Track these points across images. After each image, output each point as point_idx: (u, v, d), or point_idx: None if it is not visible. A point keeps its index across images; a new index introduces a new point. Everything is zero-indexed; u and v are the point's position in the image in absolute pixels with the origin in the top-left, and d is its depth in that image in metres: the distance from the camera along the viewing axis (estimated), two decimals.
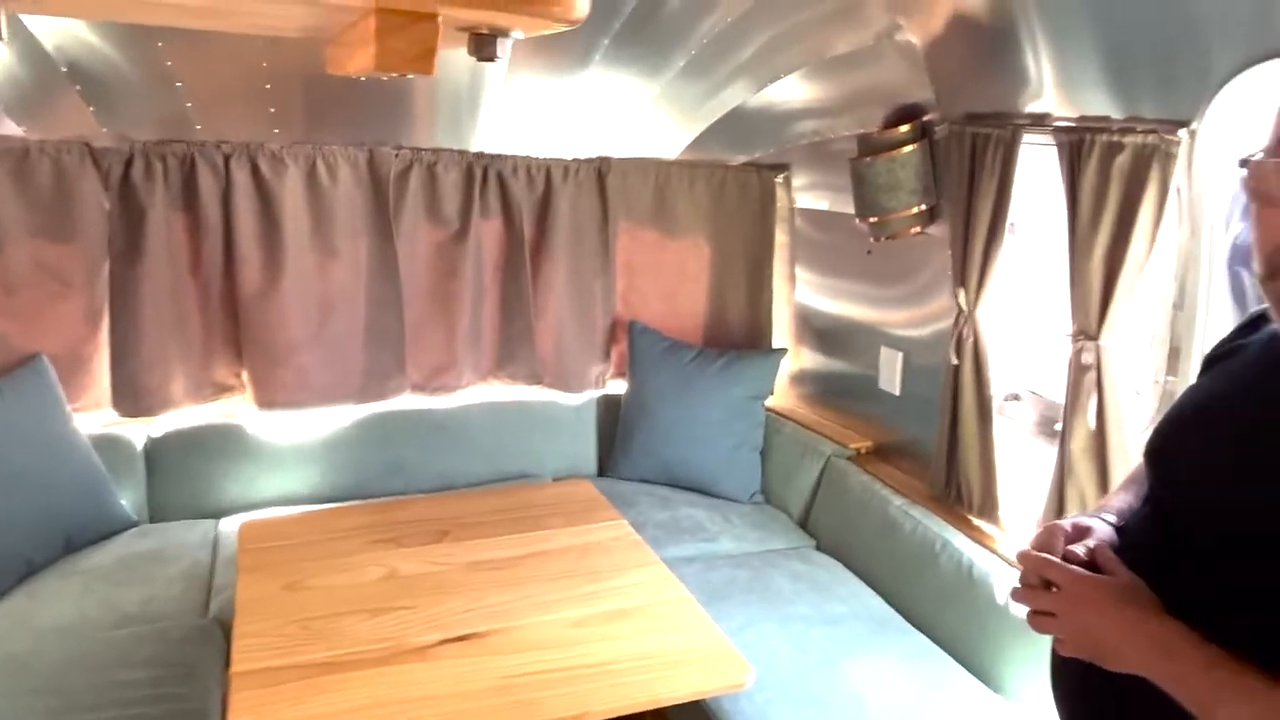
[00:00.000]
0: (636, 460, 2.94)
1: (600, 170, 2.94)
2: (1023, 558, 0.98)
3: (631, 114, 2.87)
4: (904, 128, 2.41)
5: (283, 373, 2.69)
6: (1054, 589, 0.93)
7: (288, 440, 2.75)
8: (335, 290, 2.71)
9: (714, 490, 2.87)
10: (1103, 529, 1.05)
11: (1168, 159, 1.73)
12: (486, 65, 2.50)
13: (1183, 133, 1.71)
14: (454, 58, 2.47)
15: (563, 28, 1.17)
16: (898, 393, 2.69)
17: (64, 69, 2.20)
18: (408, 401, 2.90)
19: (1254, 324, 1.03)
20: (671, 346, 3.00)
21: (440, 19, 1.11)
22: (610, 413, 3.13)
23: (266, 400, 2.70)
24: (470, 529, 2.04)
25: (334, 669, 1.50)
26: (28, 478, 2.22)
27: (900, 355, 2.67)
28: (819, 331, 3.07)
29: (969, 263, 2.21)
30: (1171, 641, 0.85)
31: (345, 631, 1.62)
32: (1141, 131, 1.77)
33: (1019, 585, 0.98)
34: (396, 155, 2.71)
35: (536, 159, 2.87)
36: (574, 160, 2.92)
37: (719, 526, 2.67)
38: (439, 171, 2.77)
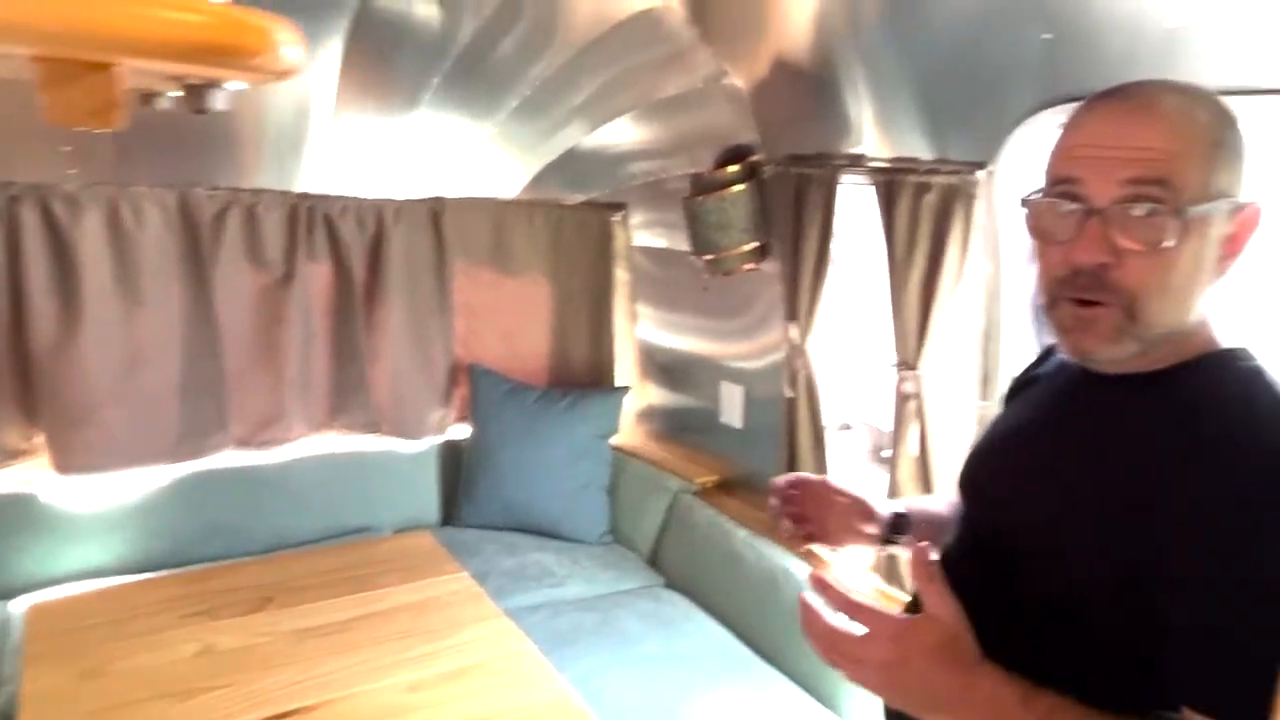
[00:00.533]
0: (481, 507, 2.86)
1: (434, 210, 2.87)
2: (816, 583, 0.94)
3: (467, 153, 2.83)
4: (733, 168, 2.48)
5: (85, 433, 2.45)
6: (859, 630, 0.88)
7: (92, 507, 2.51)
8: (145, 341, 2.50)
9: (562, 533, 2.81)
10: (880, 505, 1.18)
11: (970, 198, 1.85)
12: (310, 103, 2.43)
13: (981, 173, 1.82)
14: (279, 97, 2.37)
15: (271, 79, 1.05)
16: (740, 426, 2.74)
17: None
18: (232, 458, 2.71)
19: (1049, 353, 1.10)
20: (514, 388, 2.95)
21: (116, 69, 0.95)
22: (453, 459, 3.03)
23: (66, 464, 2.45)
24: (297, 593, 1.90)
25: None
26: None
27: (740, 389, 2.72)
28: (662, 367, 3.10)
29: (798, 297, 2.29)
30: (1003, 707, 0.83)
31: None
32: (946, 172, 1.89)
33: (813, 619, 0.89)
34: (211, 196, 2.54)
35: (367, 200, 2.77)
36: (406, 201, 2.83)
37: (567, 570, 2.62)
38: (260, 213, 2.62)
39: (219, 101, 1.05)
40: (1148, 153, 0.80)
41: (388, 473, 2.92)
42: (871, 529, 1.22)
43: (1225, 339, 0.88)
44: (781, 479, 1.13)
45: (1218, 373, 0.85)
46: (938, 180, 1.90)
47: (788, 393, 2.34)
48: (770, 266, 2.51)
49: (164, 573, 2.32)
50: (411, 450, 2.98)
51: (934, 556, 0.90)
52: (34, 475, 2.48)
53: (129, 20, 0.85)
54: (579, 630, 2.28)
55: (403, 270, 2.84)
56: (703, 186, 2.52)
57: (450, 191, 2.89)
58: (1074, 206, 0.82)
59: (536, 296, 3.09)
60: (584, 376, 3.13)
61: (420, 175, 2.85)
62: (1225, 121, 0.83)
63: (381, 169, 2.78)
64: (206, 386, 2.59)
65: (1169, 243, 0.79)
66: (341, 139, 2.59)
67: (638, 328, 3.18)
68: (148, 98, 1.13)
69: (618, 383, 3.15)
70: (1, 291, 2.31)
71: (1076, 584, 0.86)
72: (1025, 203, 0.89)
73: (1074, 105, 0.89)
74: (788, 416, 2.36)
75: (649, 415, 3.18)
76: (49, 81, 0.94)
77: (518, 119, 2.65)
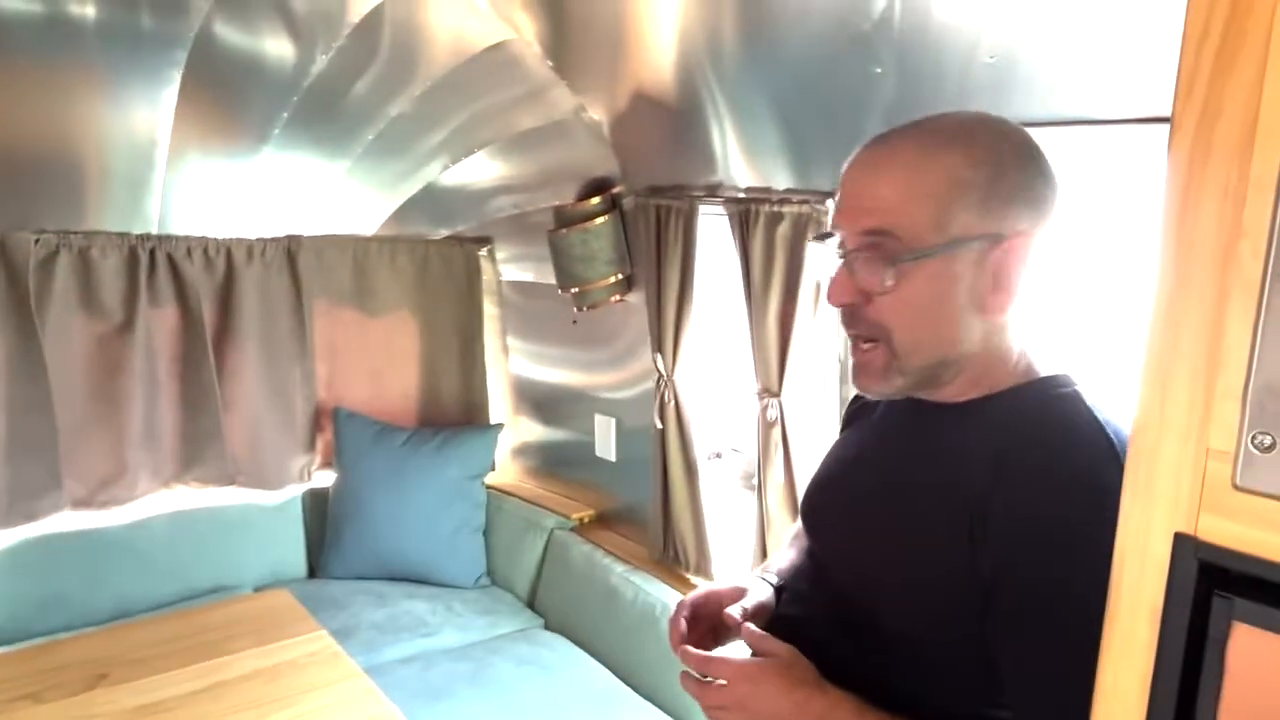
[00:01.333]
0: (349, 557, 2.73)
1: (290, 249, 2.75)
2: (683, 656, 0.97)
3: (322, 190, 2.73)
4: (595, 200, 2.47)
5: None
6: (719, 681, 0.93)
7: None
8: None
9: (436, 579, 2.72)
10: (761, 591, 1.08)
11: (820, 226, 1.89)
12: (150, 140, 2.29)
13: (830, 202, 1.87)
14: (115, 134, 2.23)
15: None
16: (614, 458, 2.72)
17: None
18: (70, 520, 2.50)
19: None
20: (382, 430, 2.84)
21: None
22: (319, 507, 2.89)
23: None
24: (135, 666, 1.75)
25: None
26: None
27: (613, 421, 2.70)
28: (536, 401, 3.05)
29: (663, 328, 2.29)
30: (834, 716, 0.88)
31: None
32: (797, 201, 1.92)
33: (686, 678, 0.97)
34: (37, 241, 2.36)
35: (215, 239, 2.63)
36: (259, 240, 2.71)
37: (441, 618, 2.53)
38: (94, 256, 2.45)
39: None
40: (877, 204, 0.86)
41: (247, 527, 2.76)
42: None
43: (1045, 367, 0.91)
44: (680, 615, 1.07)
45: (1029, 400, 0.88)
46: (789, 209, 1.93)
47: (658, 423, 2.34)
48: (636, 297, 2.51)
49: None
50: (272, 501, 2.83)
51: (750, 626, 0.97)
52: None
53: None
54: (453, 681, 2.19)
55: (257, 312, 2.70)
56: (566, 219, 2.50)
57: (307, 229, 2.78)
58: (837, 252, 0.90)
59: (403, 334, 3.00)
60: (456, 415, 3.05)
61: (274, 213, 2.73)
62: (982, 160, 0.85)
63: (231, 207, 2.65)
64: (36, 443, 2.39)
65: (889, 283, 0.85)
66: (186, 177, 2.46)
67: (510, 362, 3.12)
68: None
69: (492, 419, 3.08)
70: None
71: (903, 610, 0.90)
72: (818, 238, 0.96)
73: None
74: (659, 447, 2.35)
75: (524, 451, 3.12)
76: None
77: (374, 155, 2.58)
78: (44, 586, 2.43)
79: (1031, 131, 0.90)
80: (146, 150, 2.33)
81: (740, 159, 2.06)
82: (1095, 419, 0.84)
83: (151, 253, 2.53)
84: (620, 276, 2.50)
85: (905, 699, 0.88)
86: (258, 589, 2.69)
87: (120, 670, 1.76)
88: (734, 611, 1.01)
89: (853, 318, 0.90)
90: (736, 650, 0.97)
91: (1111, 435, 0.82)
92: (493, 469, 2.92)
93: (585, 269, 2.48)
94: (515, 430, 3.11)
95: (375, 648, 2.31)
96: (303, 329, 2.80)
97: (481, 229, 3.01)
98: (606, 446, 2.72)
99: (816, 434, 2.03)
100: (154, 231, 2.54)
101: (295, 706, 1.63)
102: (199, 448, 2.67)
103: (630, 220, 2.45)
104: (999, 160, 0.85)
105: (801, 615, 1.01)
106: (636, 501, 2.61)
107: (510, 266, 3.04)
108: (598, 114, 2.30)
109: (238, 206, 2.65)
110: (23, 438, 2.38)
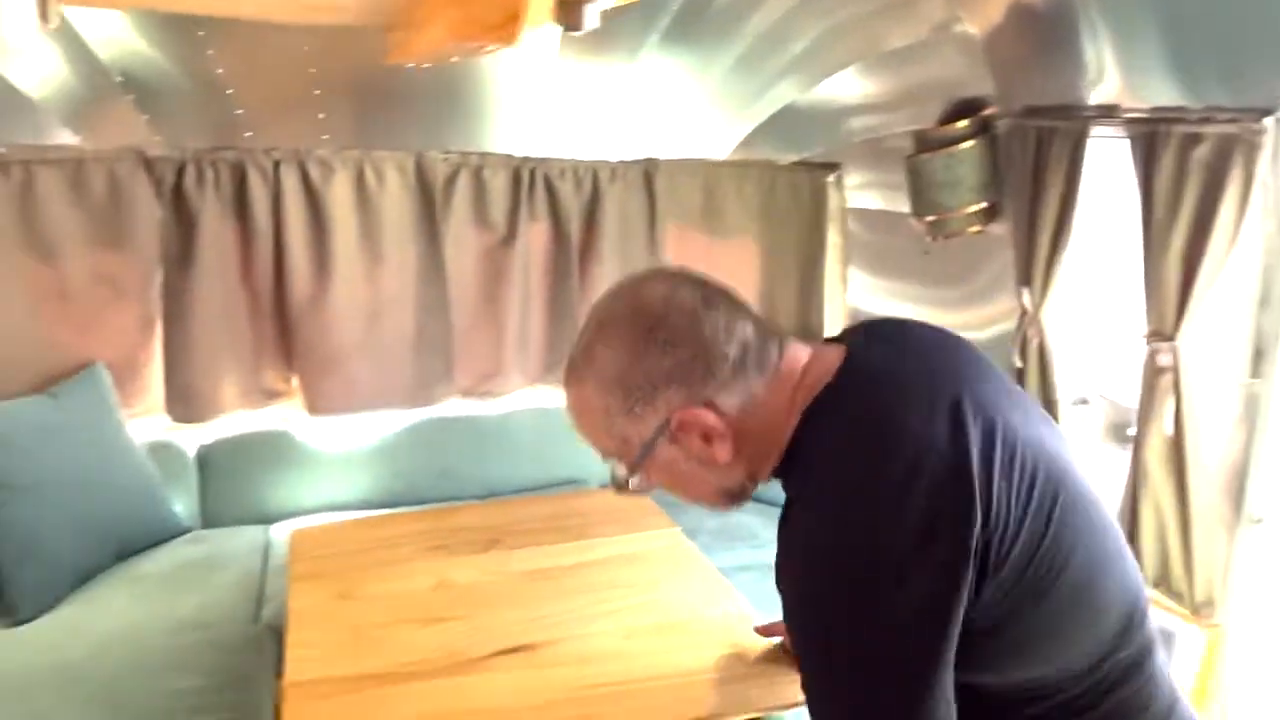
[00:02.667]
0: None
1: (648, 172, 2.90)
2: None
3: (679, 114, 2.83)
4: (963, 122, 2.34)
5: (332, 378, 2.69)
6: None
7: (337, 447, 2.75)
8: (383, 296, 2.71)
9: (766, 497, 2.79)
10: None
11: (1252, 150, 1.64)
12: (533, 65, 2.50)
13: (1269, 121, 1.61)
14: (500, 57, 2.46)
15: None
16: None
17: (118, 79, 2.22)
18: (455, 407, 2.89)
19: None
20: None
21: None
22: None
23: (316, 405, 2.70)
24: (520, 537, 2.00)
25: (388, 680, 1.47)
26: (85, 482, 2.24)
27: None
28: None
29: (1033, 261, 2.13)
30: None
31: (398, 642, 1.59)
32: (1222, 121, 1.68)
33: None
34: (444, 160, 2.69)
35: (583, 161, 2.84)
36: (620, 163, 2.88)
37: (771, 533, 2.59)
38: (486, 176, 2.75)
39: (591, 19, 1.11)
40: (587, 440, 1.00)
41: None
42: None
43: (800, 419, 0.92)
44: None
45: (793, 465, 0.95)
46: (1211, 131, 1.70)
47: (1017, 362, 2.20)
48: (999, 228, 2.36)
49: (401, 510, 2.52)
50: None
51: None
52: (290, 415, 2.76)
53: None
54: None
55: (616, 231, 2.89)
56: (928, 143, 2.39)
57: (663, 153, 2.91)
58: None
59: (745, 260, 3.07)
60: None
61: (634, 137, 2.88)
62: (608, 385, 0.93)
63: (596, 131, 2.84)
64: (436, 339, 2.77)
65: (640, 483, 0.99)
66: (561, 100, 2.66)
67: (849, 293, 3.08)
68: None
69: None
70: (267, 247, 2.56)
71: None
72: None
73: None
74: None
75: None
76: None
77: (734, 74, 2.62)
78: (436, 460, 2.83)
79: None
80: (528, 75, 2.53)
81: (1126, 74, 1.83)
82: (827, 436, 0.90)
83: (531, 173, 2.78)
84: (983, 205, 2.35)
85: None
86: (603, 486, 2.94)
87: (509, 538, 2.01)
88: None
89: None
90: None
91: (863, 437, 0.87)
92: None
93: (946, 196, 2.36)
94: None
95: (712, 551, 2.41)
96: (655, 248, 2.95)
97: (830, 154, 2.97)
98: None
99: (1216, 385, 1.81)
100: (529, 154, 2.79)
101: (655, 592, 1.77)
102: (561, 353, 2.94)
103: (1001, 144, 2.29)
104: (619, 374, 0.92)
105: None
106: None
107: (858, 194, 2.98)
108: (973, 26, 2.16)
109: (601, 130, 2.83)
110: (426, 334, 2.77)
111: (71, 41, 2.11)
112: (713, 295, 0.94)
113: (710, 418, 0.92)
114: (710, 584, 1.84)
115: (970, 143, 2.31)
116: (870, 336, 0.99)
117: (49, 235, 2.36)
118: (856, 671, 0.84)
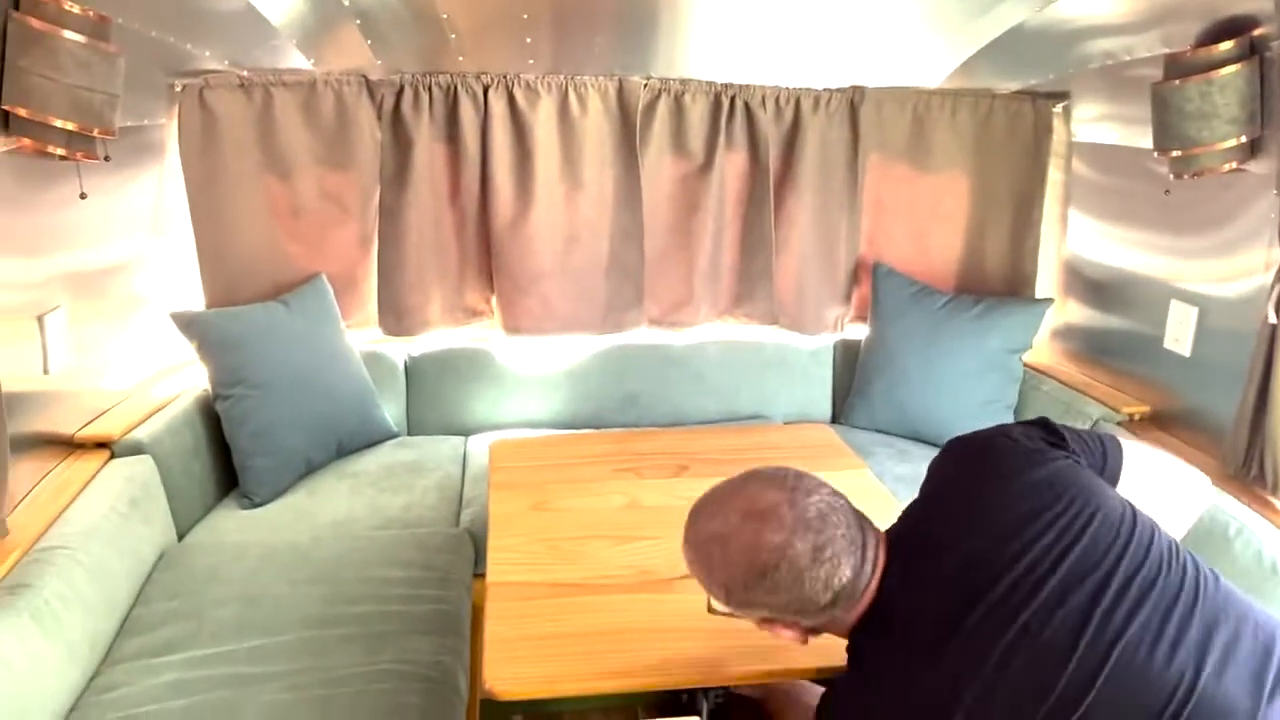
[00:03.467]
0: (875, 408, 2.80)
1: (853, 100, 2.77)
2: None
3: (890, 38, 2.66)
4: (1225, 44, 2.06)
5: (529, 300, 2.78)
6: None
7: (530, 367, 2.86)
8: (580, 221, 2.75)
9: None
10: None
11: None
12: None
13: None
14: None
15: None
16: (1187, 354, 2.37)
17: (346, 2, 2.33)
18: (644, 335, 2.92)
19: None
20: (920, 291, 2.81)
21: None
22: (847, 359, 2.99)
23: (513, 326, 2.81)
24: (709, 465, 2.00)
25: (583, 590, 1.53)
26: (312, 384, 2.43)
27: (1194, 311, 2.34)
28: (1093, 282, 2.75)
29: None
30: None
31: (592, 555, 1.64)
32: None
33: None
34: (645, 85, 2.67)
35: (786, 89, 2.74)
36: (825, 90, 2.76)
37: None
38: (686, 102, 2.71)
39: None
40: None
41: (783, 365, 2.97)
42: None
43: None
44: None
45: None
46: None
47: (1273, 318, 1.96)
48: (1259, 167, 2.09)
49: (591, 431, 2.59)
50: (807, 346, 2.99)
51: None
52: (488, 335, 2.88)
53: None
54: None
55: (816, 162, 2.80)
56: (1181, 69, 2.13)
57: (870, 80, 2.77)
58: None
59: (953, 195, 2.89)
60: (998, 285, 2.89)
61: (840, 64, 2.74)
62: (717, 583, 1.16)
63: (801, 57, 2.72)
64: (629, 267, 2.79)
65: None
66: (765, 23, 2.56)
67: (1068, 239, 2.85)
68: None
69: (1037, 295, 2.87)
70: (475, 170, 2.64)
71: None
72: None
73: None
74: (1266, 348, 1.98)
75: (1067, 334, 2.87)
76: None
77: None
78: (623, 386, 2.88)
79: None
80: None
81: None
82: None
83: (732, 100, 2.72)
84: (1243, 139, 2.08)
85: None
86: (786, 422, 2.91)
87: (696, 465, 2.02)
88: None
89: None
90: None
91: None
92: (1030, 347, 2.75)
93: (1198, 128, 2.11)
94: (1061, 310, 2.87)
95: (899, 499, 2.36)
96: (855, 181, 2.83)
97: (1059, 82, 2.72)
98: (1180, 339, 2.38)
99: None
100: (730, 80, 2.72)
101: None
102: (750, 286, 2.90)
103: (1274, 70, 2.00)
104: (726, 583, 1.15)
105: None
106: (1208, 405, 2.27)
107: (1089, 126, 2.72)
108: None
109: (805, 55, 2.71)
110: (619, 261, 2.79)
111: None
112: (824, 545, 1.10)
113: (791, 632, 1.19)
114: None
115: (1233, 68, 2.04)
116: (905, 560, 1.15)
117: (284, 154, 2.55)
118: None
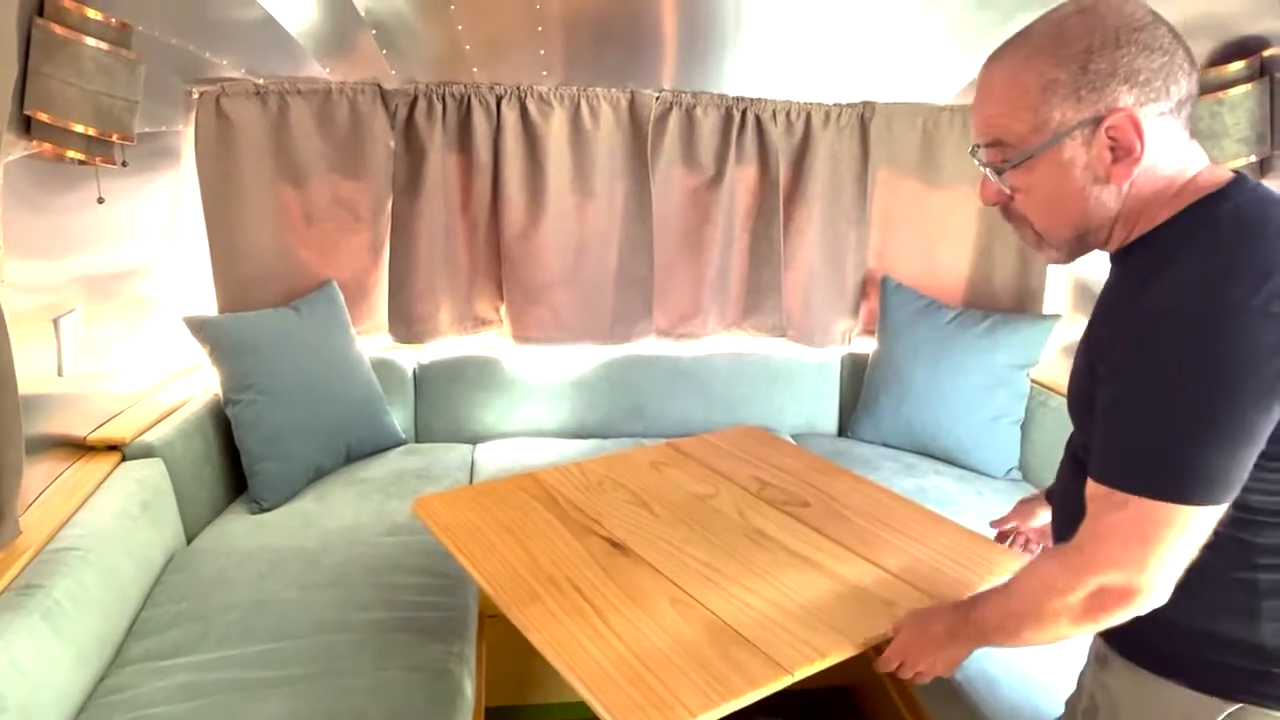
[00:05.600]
0: (881, 422, 2.81)
1: (864, 115, 2.79)
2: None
3: (902, 54, 2.68)
4: (1236, 65, 2.08)
5: (538, 310, 2.79)
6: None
7: (539, 376, 2.87)
8: (590, 232, 2.77)
9: (965, 462, 2.68)
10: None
11: None
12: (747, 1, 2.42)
13: None
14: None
15: None
16: None
17: (363, 13, 2.35)
18: (652, 346, 2.93)
19: None
20: (928, 305, 2.82)
21: None
22: (855, 372, 3.00)
23: (522, 335, 2.82)
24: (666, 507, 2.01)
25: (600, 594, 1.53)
26: (321, 390, 2.45)
27: None
28: None
29: None
30: (949, 626, 1.22)
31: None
32: None
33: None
34: (657, 98, 2.69)
35: (797, 103, 2.76)
36: (836, 105, 2.78)
37: (969, 501, 2.49)
38: (698, 115, 2.73)
39: None
40: (984, 121, 1.02)
41: (790, 378, 2.97)
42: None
43: (1212, 180, 0.97)
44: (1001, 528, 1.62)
45: (1167, 239, 0.96)
46: None
47: None
48: (1271, 185, 2.09)
49: (594, 441, 2.59)
50: (814, 359, 3.00)
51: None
52: (497, 343, 2.89)
53: None
54: None
55: (826, 176, 2.81)
56: None
57: (880, 96, 2.78)
58: (978, 161, 1.06)
59: (962, 210, 2.90)
60: (1006, 300, 2.90)
61: (850, 79, 2.76)
62: (1069, 57, 0.93)
63: (812, 72, 2.73)
64: (638, 278, 2.81)
65: (1010, 188, 1.03)
66: (776, 38, 2.58)
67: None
68: None
69: (1045, 311, 2.88)
70: (487, 180, 2.66)
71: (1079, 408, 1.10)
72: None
73: None
74: None
75: (1074, 350, 2.87)
76: None
77: (972, 4, 2.44)
78: (631, 397, 2.89)
79: None
80: (743, 6, 2.45)
81: None
82: (1236, 242, 0.90)
83: (743, 114, 2.74)
84: (1253, 159, 2.09)
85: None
86: (793, 436, 2.91)
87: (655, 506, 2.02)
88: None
89: (1005, 211, 1.08)
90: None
91: (1261, 255, 0.87)
92: (1037, 363, 2.75)
93: (1208, 148, 2.09)
94: (1070, 326, 2.87)
95: None
96: (864, 196, 2.85)
97: None
98: None
99: None
100: (741, 94, 2.73)
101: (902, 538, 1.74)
102: (759, 299, 2.91)
103: None
104: (1087, 50, 0.93)
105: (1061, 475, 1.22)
106: None
107: None
108: None
109: (816, 70, 2.72)
110: (629, 272, 2.81)
111: None
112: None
113: (1137, 135, 0.93)
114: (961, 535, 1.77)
115: (1244, 88, 2.06)
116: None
117: (299, 162, 2.57)
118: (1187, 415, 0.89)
